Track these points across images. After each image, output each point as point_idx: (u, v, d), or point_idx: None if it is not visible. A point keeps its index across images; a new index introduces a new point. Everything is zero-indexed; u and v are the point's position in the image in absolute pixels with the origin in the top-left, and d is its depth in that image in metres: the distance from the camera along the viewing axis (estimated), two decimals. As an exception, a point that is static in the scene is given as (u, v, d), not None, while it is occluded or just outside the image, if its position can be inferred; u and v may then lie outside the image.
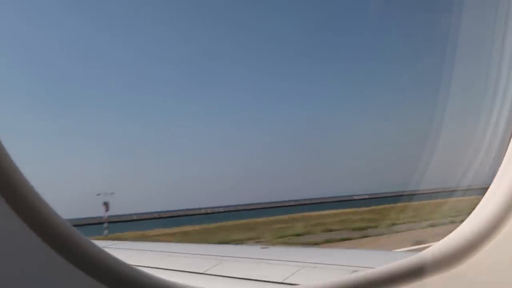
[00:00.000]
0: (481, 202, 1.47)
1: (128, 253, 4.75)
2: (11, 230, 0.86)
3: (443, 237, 1.43)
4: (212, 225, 22.52)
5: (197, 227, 22.41)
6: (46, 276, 0.90)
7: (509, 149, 1.46)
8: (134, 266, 1.05)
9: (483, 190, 1.52)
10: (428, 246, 1.42)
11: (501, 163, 1.47)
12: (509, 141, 1.48)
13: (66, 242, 0.92)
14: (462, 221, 1.47)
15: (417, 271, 1.31)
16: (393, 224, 18.30)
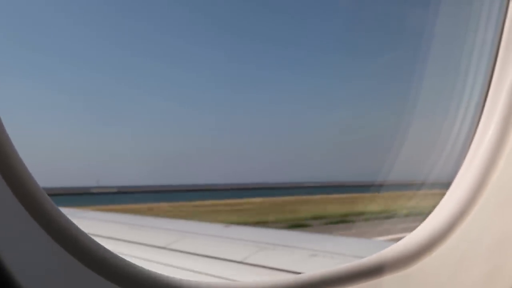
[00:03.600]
0: (440, 202, 1.51)
1: (91, 222, 4.71)
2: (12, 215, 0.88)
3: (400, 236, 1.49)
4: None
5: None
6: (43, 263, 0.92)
7: (470, 150, 1.52)
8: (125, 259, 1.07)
9: (443, 186, 1.58)
10: (388, 241, 1.48)
11: (462, 163, 1.53)
12: (471, 141, 1.53)
13: (60, 229, 0.94)
14: (417, 216, 1.53)
15: (374, 270, 1.36)
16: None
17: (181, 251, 3.39)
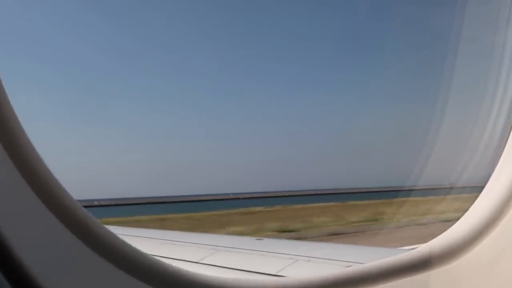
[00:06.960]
0: (476, 201, 1.49)
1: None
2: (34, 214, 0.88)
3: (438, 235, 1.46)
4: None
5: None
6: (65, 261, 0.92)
7: (505, 150, 1.48)
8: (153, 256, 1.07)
9: (479, 188, 1.54)
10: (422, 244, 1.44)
11: (497, 162, 1.49)
12: (506, 141, 1.49)
13: (80, 223, 0.94)
14: (455, 219, 1.50)
15: (412, 266, 1.34)
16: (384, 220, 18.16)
17: (214, 265, 3.38)
